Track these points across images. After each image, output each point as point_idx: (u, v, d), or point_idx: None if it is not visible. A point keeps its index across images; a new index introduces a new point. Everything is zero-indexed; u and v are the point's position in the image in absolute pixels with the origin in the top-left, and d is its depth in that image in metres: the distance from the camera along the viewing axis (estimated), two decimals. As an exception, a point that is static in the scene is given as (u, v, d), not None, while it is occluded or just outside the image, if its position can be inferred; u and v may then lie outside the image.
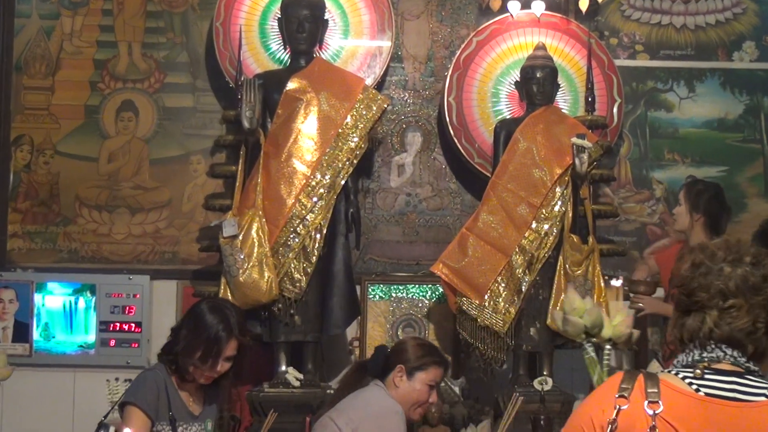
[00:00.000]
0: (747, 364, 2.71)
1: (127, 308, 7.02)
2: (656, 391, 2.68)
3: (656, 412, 2.65)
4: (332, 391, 6.37)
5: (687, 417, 2.66)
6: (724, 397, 2.67)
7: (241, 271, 6.27)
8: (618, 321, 4.12)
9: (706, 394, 2.67)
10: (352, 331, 7.00)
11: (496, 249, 6.50)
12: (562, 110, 6.99)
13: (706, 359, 2.73)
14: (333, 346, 7.00)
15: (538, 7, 7.21)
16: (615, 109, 7.27)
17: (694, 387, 2.69)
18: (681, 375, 2.72)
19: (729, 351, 2.72)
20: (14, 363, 6.54)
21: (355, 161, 6.56)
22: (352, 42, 7.21)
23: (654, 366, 6.21)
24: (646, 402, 2.67)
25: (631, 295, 6.53)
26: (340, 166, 6.51)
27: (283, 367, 6.43)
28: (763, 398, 2.66)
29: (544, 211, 6.54)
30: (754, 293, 2.72)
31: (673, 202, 6.99)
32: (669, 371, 2.76)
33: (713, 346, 2.74)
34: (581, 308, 4.17)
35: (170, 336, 5.02)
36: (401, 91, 7.45)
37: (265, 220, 6.34)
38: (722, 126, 7.59)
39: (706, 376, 2.70)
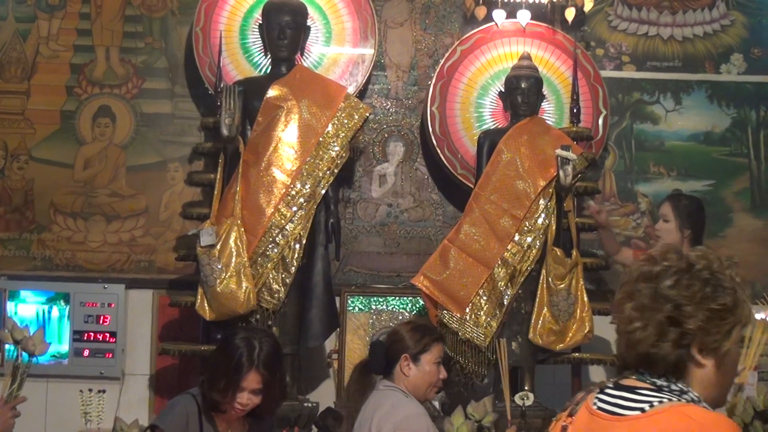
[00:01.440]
0: (655, 380, 2.68)
1: (102, 318, 6.92)
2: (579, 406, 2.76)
3: (565, 425, 2.74)
4: (311, 405, 6.31)
5: (579, 430, 2.72)
6: (605, 410, 2.67)
7: (218, 281, 6.19)
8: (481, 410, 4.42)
9: (597, 408, 2.69)
10: (330, 344, 6.93)
11: (478, 261, 6.45)
12: (547, 121, 6.94)
13: (623, 375, 2.74)
14: (311, 358, 6.93)
15: (524, 17, 7.16)
16: (600, 121, 7.22)
17: (593, 401, 2.72)
18: (597, 391, 2.76)
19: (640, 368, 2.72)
20: (-16, 372, 6.43)
21: (335, 170, 6.49)
22: (335, 49, 7.15)
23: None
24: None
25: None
26: (321, 175, 6.44)
27: (260, 380, 6.32)
28: (637, 412, 2.62)
29: (527, 223, 6.49)
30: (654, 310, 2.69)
31: (657, 216, 6.90)
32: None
33: None
34: (458, 421, 4.57)
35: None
36: (384, 100, 7.38)
37: (243, 229, 6.27)
38: (709, 139, 7.54)
39: (606, 391, 2.71)
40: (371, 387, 5.19)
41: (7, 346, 6.02)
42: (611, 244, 6.87)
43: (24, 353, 4.97)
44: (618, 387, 2.70)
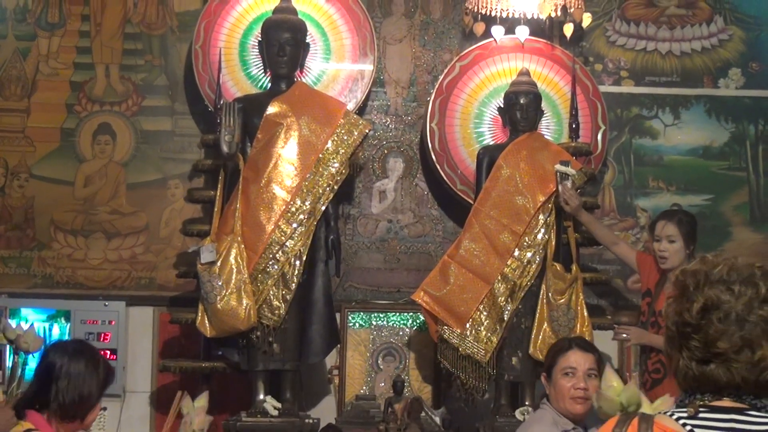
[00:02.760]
0: (753, 401, 2.57)
1: (103, 335, 6.91)
2: None
3: None
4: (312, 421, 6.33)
5: None
6: None
7: (218, 298, 6.19)
8: (659, 403, 3.98)
9: None
10: (331, 360, 6.92)
11: (478, 277, 6.45)
12: (546, 137, 6.95)
13: (706, 397, 2.59)
14: (312, 374, 6.93)
15: (522, 33, 7.17)
16: (599, 136, 7.22)
17: (688, 428, 2.55)
18: (675, 416, 2.59)
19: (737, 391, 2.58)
20: (-14, 391, 6.42)
21: (335, 187, 6.50)
22: (334, 66, 7.16)
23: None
24: None
25: (615, 326, 6.46)
26: (321, 191, 6.45)
27: (261, 396, 6.36)
28: None
29: (527, 238, 6.50)
30: None
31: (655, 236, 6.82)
32: (665, 412, 2.63)
33: None
34: (618, 387, 4.08)
35: None
36: (383, 116, 7.39)
37: (243, 246, 6.27)
38: (707, 154, 7.54)
39: (702, 415, 2.56)
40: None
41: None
42: (604, 234, 6.78)
43: (21, 352, 4.96)
44: (717, 410, 2.57)
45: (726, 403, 2.58)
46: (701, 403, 2.58)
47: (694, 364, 2.63)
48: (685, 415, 2.58)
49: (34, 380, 4.41)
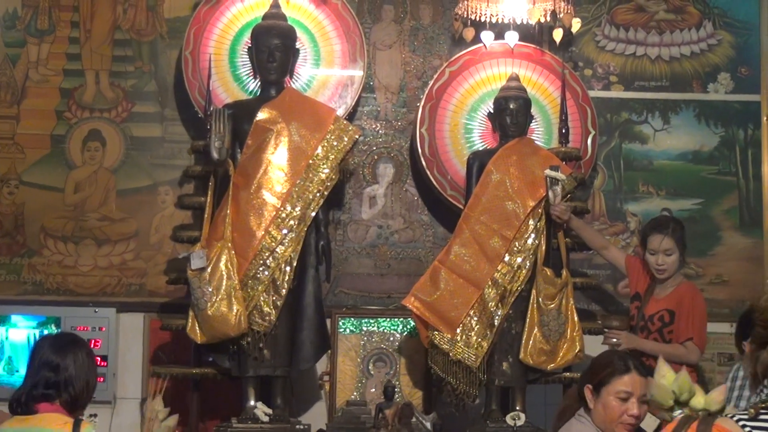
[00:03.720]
0: None
1: (93, 341, 6.89)
2: None
3: None
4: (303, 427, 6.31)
5: None
6: None
7: (209, 304, 6.18)
8: (714, 394, 3.92)
9: None
10: (322, 366, 6.92)
11: (468, 282, 6.45)
12: (536, 142, 6.96)
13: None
14: (303, 380, 6.93)
15: (512, 38, 7.18)
16: (589, 141, 7.23)
17: (747, 429, 2.56)
18: (736, 417, 2.59)
19: None
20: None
21: (325, 193, 6.50)
22: (324, 72, 7.16)
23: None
24: None
25: (605, 330, 6.46)
26: (311, 197, 6.45)
27: (252, 402, 6.34)
28: None
29: (517, 243, 6.50)
30: None
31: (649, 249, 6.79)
32: (728, 415, 2.63)
33: None
34: (670, 377, 4.04)
35: None
36: (373, 122, 7.39)
37: (234, 252, 6.27)
38: (697, 158, 7.56)
39: (762, 416, 2.56)
40: (573, 412, 4.83)
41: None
42: (594, 238, 6.78)
43: None
44: None
45: None
46: (762, 405, 2.58)
47: (753, 348, 2.66)
48: (746, 417, 2.57)
49: (34, 376, 4.48)
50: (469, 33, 7.21)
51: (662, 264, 6.28)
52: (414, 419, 6.26)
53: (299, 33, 6.93)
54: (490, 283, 6.44)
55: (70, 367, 4.44)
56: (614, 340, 6.23)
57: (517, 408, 6.48)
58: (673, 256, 6.28)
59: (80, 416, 4.49)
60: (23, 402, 4.42)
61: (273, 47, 6.63)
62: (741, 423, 2.57)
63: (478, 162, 6.74)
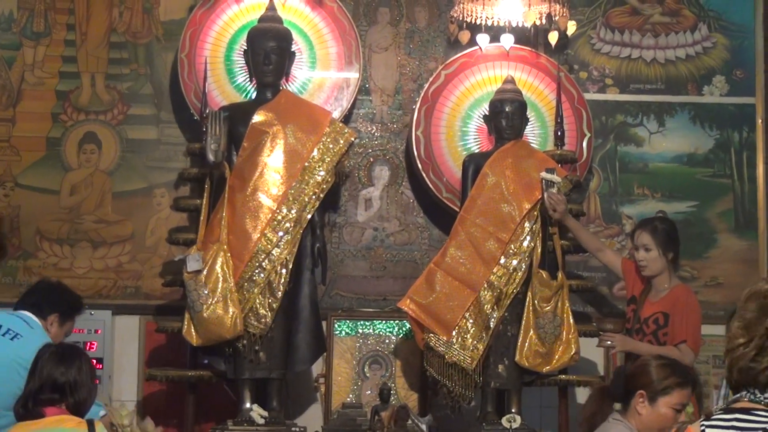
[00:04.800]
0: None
1: (89, 344, 6.89)
2: None
3: None
4: (298, 429, 6.32)
5: None
6: None
7: (205, 306, 6.19)
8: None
9: None
10: (317, 368, 6.92)
11: (464, 285, 6.45)
12: (531, 144, 6.96)
13: (731, 400, 2.69)
14: (298, 382, 6.93)
15: (507, 41, 7.19)
16: (584, 144, 7.24)
17: (701, 428, 2.67)
18: (702, 419, 2.70)
19: (752, 389, 2.66)
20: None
21: (321, 195, 6.51)
22: (319, 74, 7.17)
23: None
24: None
25: (600, 333, 6.46)
26: (307, 200, 6.46)
27: (248, 405, 6.35)
28: None
29: (512, 246, 6.51)
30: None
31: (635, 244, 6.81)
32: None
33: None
34: None
35: None
36: (369, 124, 7.40)
37: (230, 254, 6.28)
38: (692, 161, 7.57)
39: (716, 416, 2.66)
40: (605, 414, 4.80)
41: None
42: (590, 240, 6.79)
43: None
44: (730, 411, 2.66)
45: (742, 404, 2.67)
46: (724, 406, 2.72)
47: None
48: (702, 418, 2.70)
49: (39, 383, 4.53)
50: (464, 36, 7.21)
51: (641, 260, 6.27)
52: (409, 421, 6.26)
53: (295, 36, 6.93)
54: (485, 285, 6.45)
55: (75, 372, 4.51)
56: (608, 342, 6.23)
57: (513, 410, 6.49)
58: (653, 252, 6.25)
59: None
60: (30, 407, 4.47)
61: (269, 50, 6.64)
62: (701, 424, 2.68)
63: (473, 164, 6.75)
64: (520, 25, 7.15)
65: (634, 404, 4.64)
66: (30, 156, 7.26)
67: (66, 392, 4.49)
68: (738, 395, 2.69)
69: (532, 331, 6.42)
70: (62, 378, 4.50)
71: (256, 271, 6.33)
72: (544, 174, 6.46)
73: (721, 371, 7.15)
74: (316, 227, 6.55)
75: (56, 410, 4.47)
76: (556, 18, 7.08)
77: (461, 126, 7.17)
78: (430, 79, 7.24)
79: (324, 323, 6.77)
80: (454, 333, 6.41)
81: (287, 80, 6.86)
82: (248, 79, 6.90)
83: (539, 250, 6.53)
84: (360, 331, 6.98)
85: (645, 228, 6.33)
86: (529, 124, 6.95)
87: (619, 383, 4.76)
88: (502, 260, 6.49)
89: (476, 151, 7.05)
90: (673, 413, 4.62)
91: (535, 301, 6.44)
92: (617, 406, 4.76)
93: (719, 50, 7.65)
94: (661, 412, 4.61)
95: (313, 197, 6.48)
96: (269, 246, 6.34)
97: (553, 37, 7.19)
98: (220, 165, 6.33)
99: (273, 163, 6.46)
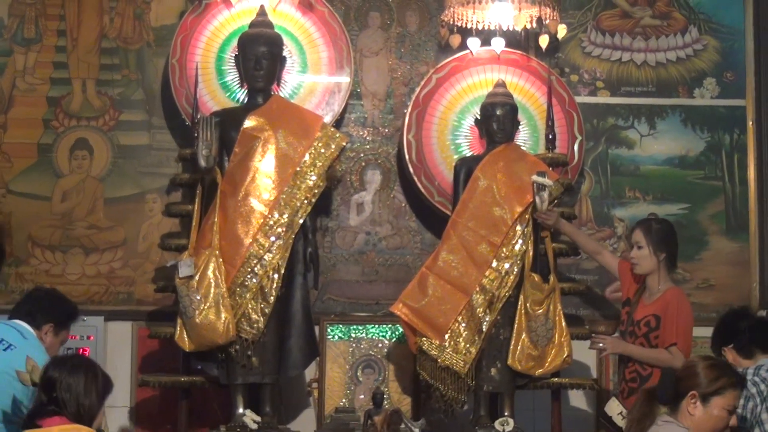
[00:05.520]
0: None
1: (81, 350, 6.87)
2: None
3: None
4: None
5: None
6: None
7: (197, 312, 6.19)
8: None
9: None
10: (310, 372, 6.91)
11: (456, 288, 6.46)
12: (523, 148, 6.96)
13: None
14: (291, 387, 6.92)
15: (498, 44, 7.19)
16: (576, 147, 7.24)
17: None
18: None
19: None
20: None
21: (313, 200, 6.51)
22: (311, 79, 7.16)
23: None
24: None
25: (592, 335, 6.47)
26: (299, 204, 6.46)
27: (241, 410, 6.34)
28: None
29: (504, 249, 6.51)
30: None
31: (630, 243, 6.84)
32: None
33: None
34: None
35: None
36: (360, 129, 7.39)
37: (222, 260, 6.27)
38: (683, 163, 7.57)
39: None
40: (653, 417, 4.71)
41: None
42: (587, 243, 6.81)
43: None
44: None
45: None
46: None
47: None
48: None
49: (40, 393, 4.61)
50: (455, 40, 7.22)
51: (633, 257, 6.31)
52: (403, 425, 6.26)
53: (286, 40, 6.93)
54: (478, 289, 6.45)
55: (65, 390, 4.51)
56: (600, 345, 6.24)
57: (506, 414, 6.49)
58: (644, 250, 6.28)
59: None
60: (32, 417, 4.49)
61: (260, 55, 6.64)
62: None
63: (465, 168, 6.75)
64: (510, 28, 7.16)
65: (685, 406, 4.58)
66: (21, 162, 7.25)
67: (68, 403, 4.50)
68: None
69: (524, 335, 6.43)
70: (65, 392, 4.51)
71: (249, 276, 6.33)
72: (535, 177, 6.46)
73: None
74: (308, 232, 6.55)
75: (58, 420, 4.47)
76: (547, 21, 7.09)
77: (453, 130, 7.17)
78: (422, 83, 7.24)
79: (317, 328, 6.76)
80: (446, 337, 6.41)
81: (278, 85, 6.85)
82: (239, 84, 6.89)
83: (531, 254, 6.53)
84: (353, 335, 6.98)
85: (640, 226, 6.38)
86: (520, 127, 6.96)
87: (669, 386, 4.68)
88: (494, 263, 6.49)
89: (468, 154, 7.05)
90: (727, 414, 4.58)
91: (528, 305, 6.44)
92: (663, 409, 4.69)
93: (710, 52, 7.66)
94: (714, 414, 4.56)
95: (305, 202, 6.48)
96: (261, 251, 6.34)
97: (543, 41, 7.19)
98: (211, 170, 6.33)
99: (265, 168, 6.46)
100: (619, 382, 6.44)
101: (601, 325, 6.68)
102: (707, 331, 6.49)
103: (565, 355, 6.47)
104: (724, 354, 5.71)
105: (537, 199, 6.44)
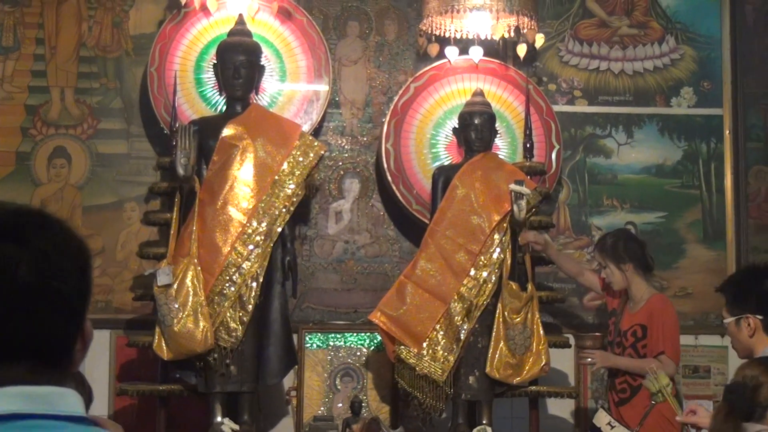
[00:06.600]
0: None
1: (59, 359, 6.85)
2: None
3: None
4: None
5: None
6: None
7: (175, 320, 6.18)
8: None
9: None
10: (289, 381, 6.91)
11: (434, 297, 6.47)
12: (501, 156, 6.98)
13: None
14: (270, 396, 6.92)
15: (476, 53, 7.21)
16: (553, 155, 7.27)
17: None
18: None
19: None
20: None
21: (292, 208, 6.51)
22: (289, 87, 7.17)
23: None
24: None
25: (580, 351, 6.50)
26: (277, 213, 6.46)
27: (219, 419, 6.33)
28: None
29: (482, 258, 6.52)
30: None
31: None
32: None
33: None
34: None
35: None
36: (339, 137, 7.40)
37: (200, 268, 6.27)
38: (661, 172, 7.61)
39: None
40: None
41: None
42: (570, 266, 6.86)
43: None
44: None
45: None
46: None
47: None
48: None
49: None
50: (433, 49, 7.24)
51: (605, 277, 6.41)
52: (381, 434, 6.28)
53: (265, 49, 6.94)
54: (456, 297, 6.46)
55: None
56: (589, 359, 6.27)
57: (484, 422, 6.50)
58: (608, 269, 6.35)
59: None
60: None
61: (238, 63, 6.65)
62: None
63: (443, 177, 6.77)
64: (488, 37, 7.19)
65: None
66: (-1, 171, 7.25)
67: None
68: None
69: (502, 343, 6.44)
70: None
71: (227, 284, 6.33)
72: (513, 186, 6.47)
73: (692, 381, 7.21)
74: (287, 240, 6.56)
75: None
76: (525, 31, 7.11)
77: (431, 138, 7.19)
78: (400, 92, 7.26)
79: (295, 336, 6.77)
80: (424, 345, 6.41)
81: (257, 94, 6.86)
82: (218, 92, 6.88)
83: (509, 262, 6.55)
84: (331, 343, 6.99)
85: (596, 248, 6.50)
86: (498, 136, 6.98)
87: (745, 400, 4.38)
88: (472, 272, 6.51)
89: (446, 163, 7.07)
90: None
91: (506, 313, 6.45)
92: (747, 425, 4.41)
93: (687, 62, 7.70)
94: None
95: (284, 210, 6.49)
96: (239, 259, 6.34)
97: (521, 50, 7.22)
98: (190, 179, 6.33)
99: (243, 176, 6.46)
100: (609, 393, 6.43)
101: (587, 339, 6.68)
102: (684, 339, 6.54)
103: (543, 363, 6.48)
104: (748, 323, 4.81)
105: (515, 208, 6.45)
